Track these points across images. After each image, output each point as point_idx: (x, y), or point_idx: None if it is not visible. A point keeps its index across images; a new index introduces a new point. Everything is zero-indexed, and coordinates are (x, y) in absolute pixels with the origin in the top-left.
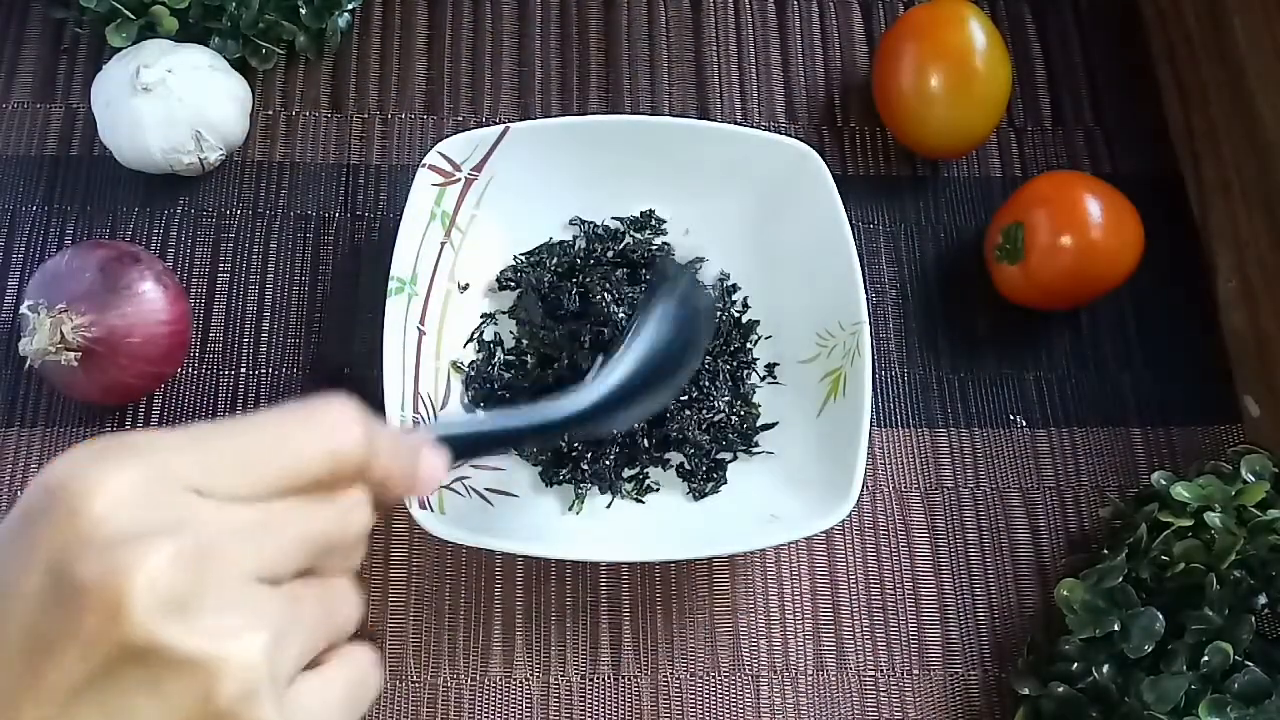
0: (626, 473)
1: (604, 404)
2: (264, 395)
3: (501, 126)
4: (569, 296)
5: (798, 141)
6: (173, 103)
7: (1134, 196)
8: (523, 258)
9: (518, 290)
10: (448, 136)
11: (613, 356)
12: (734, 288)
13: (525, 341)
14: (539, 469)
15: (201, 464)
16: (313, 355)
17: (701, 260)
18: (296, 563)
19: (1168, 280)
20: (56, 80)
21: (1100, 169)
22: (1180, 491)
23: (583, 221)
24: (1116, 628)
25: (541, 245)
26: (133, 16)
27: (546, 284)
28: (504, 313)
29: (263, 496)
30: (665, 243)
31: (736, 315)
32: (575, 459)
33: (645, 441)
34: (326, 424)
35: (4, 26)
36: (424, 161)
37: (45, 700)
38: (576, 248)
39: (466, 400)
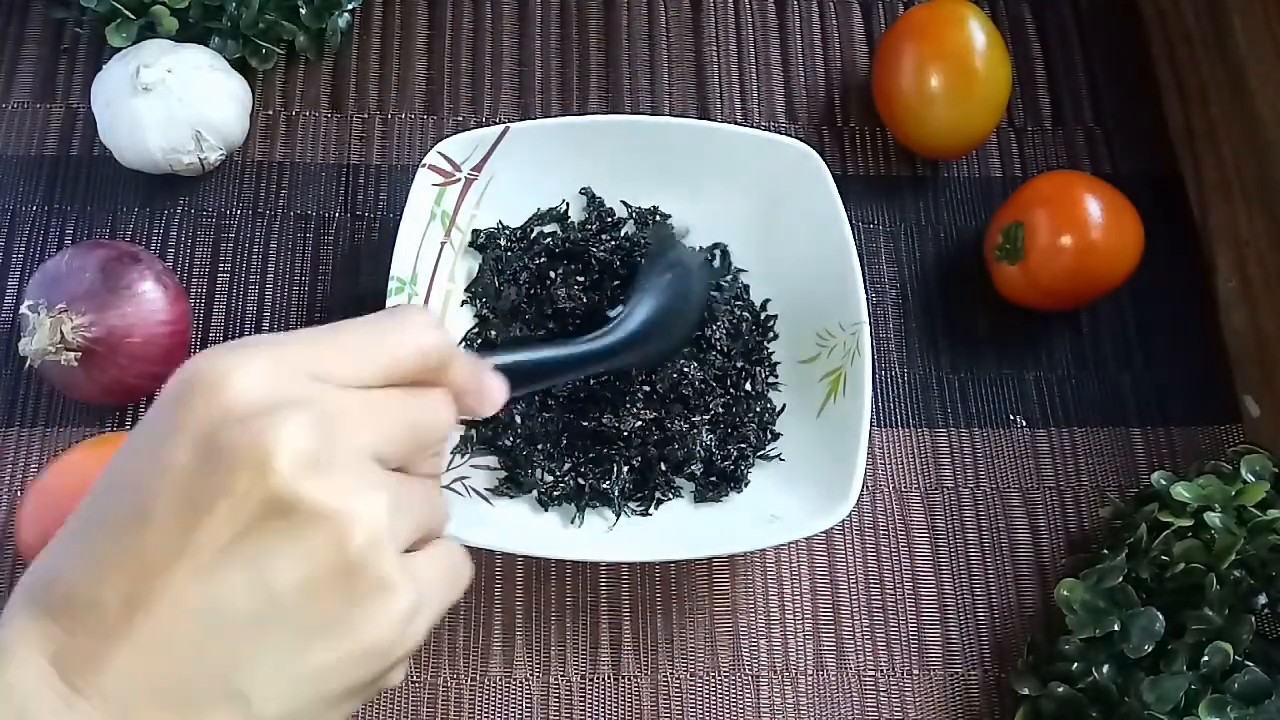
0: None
1: (625, 342)
2: None
3: (501, 126)
4: (523, 285)
5: (798, 141)
6: (173, 103)
7: (1134, 196)
8: (505, 226)
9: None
10: (448, 136)
11: (625, 310)
12: (746, 287)
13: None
14: (534, 495)
15: (315, 356)
16: None
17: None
18: (401, 446)
19: (1168, 280)
20: (56, 80)
21: (1100, 169)
22: (1180, 491)
23: (592, 196)
24: (1116, 628)
25: (534, 215)
26: (133, 16)
27: (509, 268)
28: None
29: (367, 385)
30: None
31: (755, 312)
32: (579, 487)
33: (661, 465)
34: (415, 325)
35: (4, 26)
36: (424, 161)
37: (197, 557)
38: (570, 220)
39: None
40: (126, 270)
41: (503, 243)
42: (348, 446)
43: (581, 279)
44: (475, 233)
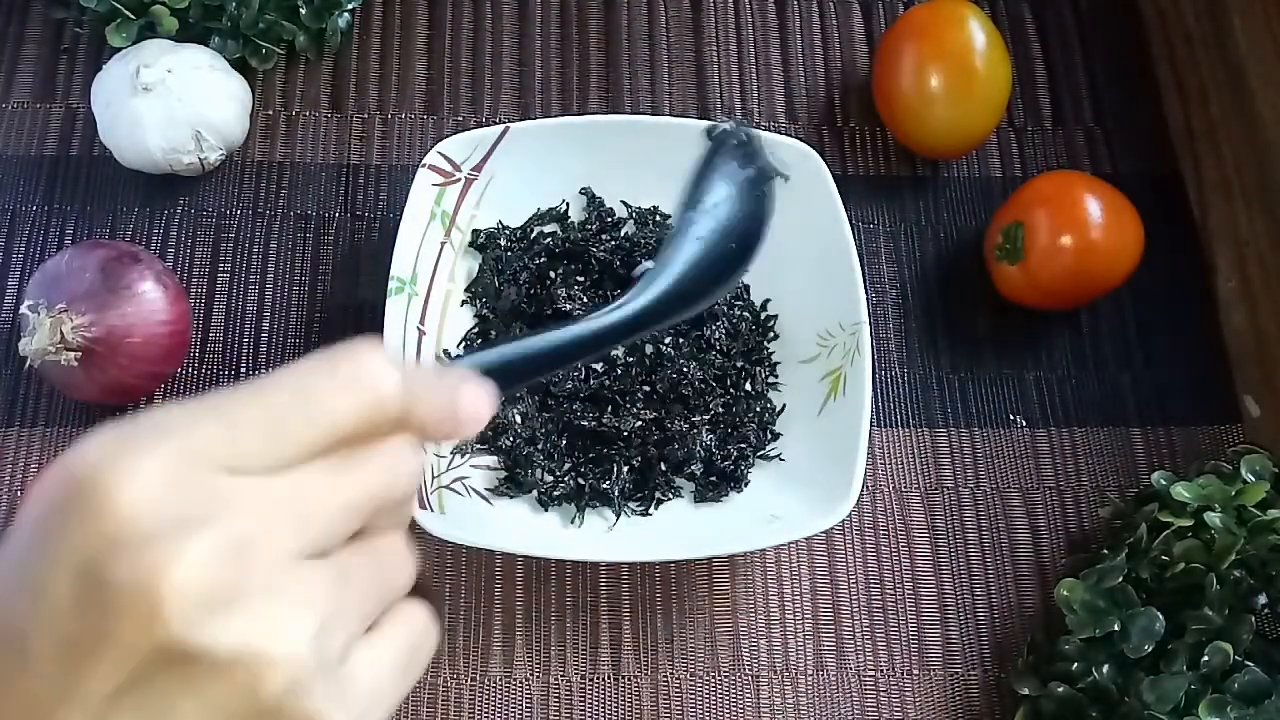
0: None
1: (649, 313)
2: None
3: (501, 126)
4: (523, 284)
5: (798, 141)
6: (173, 103)
7: (1134, 196)
8: (505, 226)
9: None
10: (448, 136)
11: (661, 257)
12: (746, 287)
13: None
14: (534, 495)
15: (229, 438)
16: None
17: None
18: (344, 530)
19: (1168, 280)
20: (56, 80)
21: (1100, 169)
22: (1180, 491)
23: (592, 196)
24: (1116, 628)
25: (534, 215)
26: (133, 16)
27: (509, 268)
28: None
29: (298, 462)
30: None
31: (755, 312)
32: (579, 487)
33: (661, 465)
34: (357, 374)
35: (4, 26)
36: (424, 161)
37: (81, 709)
38: (570, 220)
39: None
40: (126, 270)
41: (503, 243)
42: (267, 560)
43: (581, 279)
44: (475, 233)
